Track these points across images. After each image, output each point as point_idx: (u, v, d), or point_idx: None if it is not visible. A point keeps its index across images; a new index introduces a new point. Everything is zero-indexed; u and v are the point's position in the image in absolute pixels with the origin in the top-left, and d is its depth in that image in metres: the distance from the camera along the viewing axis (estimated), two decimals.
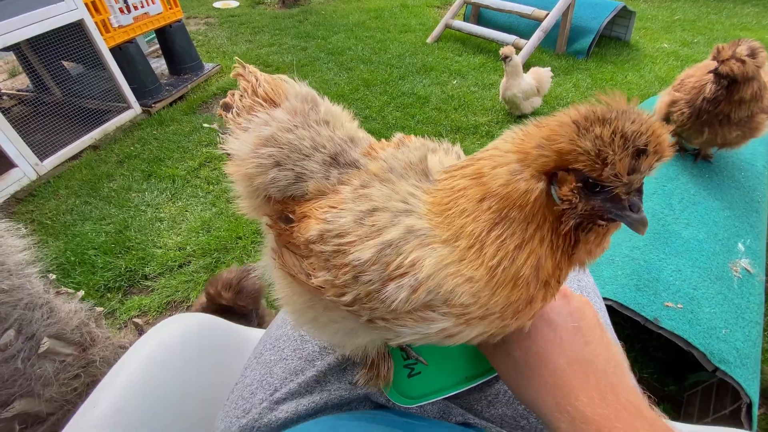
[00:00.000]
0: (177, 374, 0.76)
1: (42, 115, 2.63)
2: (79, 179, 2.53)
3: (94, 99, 2.95)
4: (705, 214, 1.32)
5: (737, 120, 1.28)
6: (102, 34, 2.71)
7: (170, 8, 3.22)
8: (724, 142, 1.39)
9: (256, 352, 0.69)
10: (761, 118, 1.29)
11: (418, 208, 0.36)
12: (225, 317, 0.96)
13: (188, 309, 1.84)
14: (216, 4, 5.53)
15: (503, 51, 2.62)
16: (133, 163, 2.64)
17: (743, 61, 1.18)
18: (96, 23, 2.66)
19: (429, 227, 0.35)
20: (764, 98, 1.26)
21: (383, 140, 0.47)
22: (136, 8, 2.90)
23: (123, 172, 2.57)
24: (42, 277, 1.12)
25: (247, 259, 1.97)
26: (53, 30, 2.45)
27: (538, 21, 3.53)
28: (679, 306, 1.06)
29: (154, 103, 3.11)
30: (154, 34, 3.56)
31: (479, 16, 4.36)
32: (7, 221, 1.05)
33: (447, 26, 4.11)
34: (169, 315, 1.83)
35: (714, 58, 1.28)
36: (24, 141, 2.39)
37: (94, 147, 2.81)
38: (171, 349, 0.78)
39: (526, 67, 3.06)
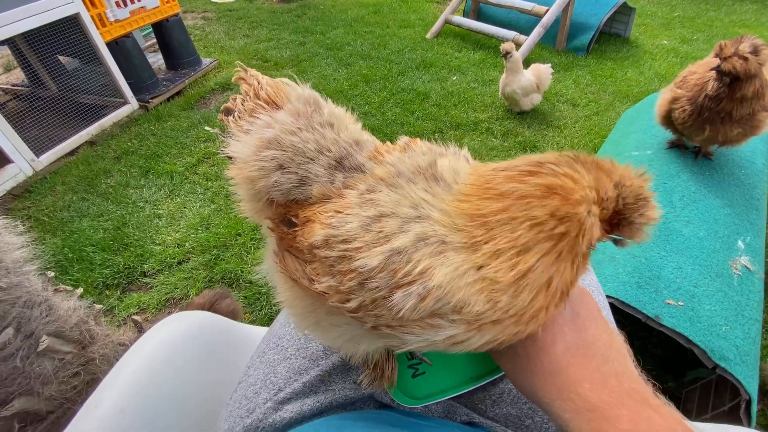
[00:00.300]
0: (179, 373, 0.76)
1: (38, 110, 2.60)
2: (76, 175, 2.51)
3: (91, 94, 2.92)
4: (705, 211, 1.32)
5: (738, 117, 1.28)
6: (98, 29, 2.68)
7: (167, 2, 3.18)
8: (725, 139, 1.39)
9: (259, 351, 0.69)
10: (762, 116, 1.29)
11: (431, 214, 0.35)
12: None
13: (187, 307, 1.84)
14: None
15: (504, 47, 2.61)
16: (130, 159, 2.62)
17: (746, 59, 1.18)
18: (92, 17, 2.62)
19: (444, 233, 0.34)
20: (766, 96, 1.26)
21: (388, 143, 0.46)
22: (132, 2, 2.87)
23: (120, 168, 2.55)
24: (40, 274, 1.11)
25: (246, 256, 1.97)
26: (49, 24, 2.42)
27: (539, 17, 3.51)
28: (680, 303, 1.06)
29: (152, 98, 3.08)
30: (151, 29, 3.52)
31: (479, 11, 4.34)
32: (4, 218, 1.04)
33: (446, 22, 4.09)
34: (168, 312, 1.83)
35: (716, 56, 1.28)
36: (20, 136, 2.37)
37: (90, 143, 2.78)
38: (172, 347, 0.77)
39: (526, 63, 3.05)
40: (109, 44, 2.77)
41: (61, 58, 2.92)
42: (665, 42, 4.01)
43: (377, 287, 0.34)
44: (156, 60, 3.56)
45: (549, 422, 0.54)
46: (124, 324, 1.77)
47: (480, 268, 0.33)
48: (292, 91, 0.48)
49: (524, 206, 0.33)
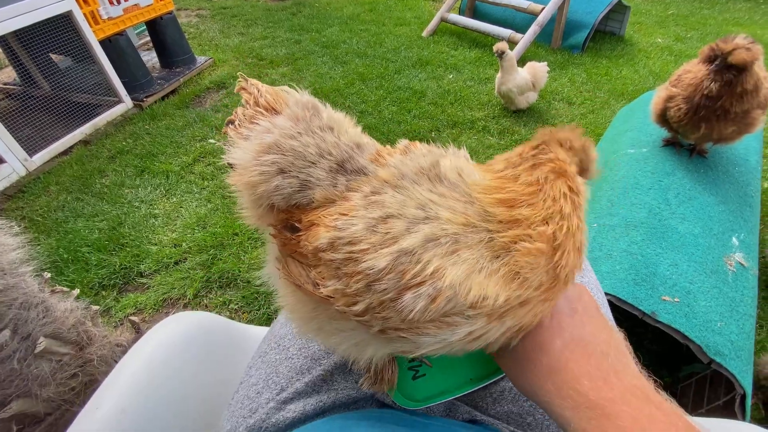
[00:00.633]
0: (178, 373, 0.76)
1: (30, 109, 2.57)
2: (70, 175, 2.49)
3: (84, 93, 2.89)
4: (700, 208, 1.34)
5: (734, 115, 1.29)
6: (91, 26, 2.65)
7: (161, 0, 3.15)
8: (720, 137, 1.40)
9: (260, 351, 0.69)
10: (756, 113, 1.31)
11: (439, 214, 0.35)
12: None
13: (185, 306, 1.83)
14: None
15: (497, 47, 2.61)
16: (125, 159, 2.60)
17: (749, 48, 1.19)
18: (85, 14, 2.59)
19: (455, 232, 0.34)
20: (760, 93, 1.27)
21: (388, 146, 0.47)
22: None
23: (115, 168, 2.53)
24: (36, 275, 1.10)
25: (243, 255, 1.96)
26: (41, 22, 2.39)
27: (534, 15, 3.52)
28: (675, 300, 1.07)
29: (146, 97, 3.05)
30: (145, 27, 3.49)
31: (475, 9, 4.34)
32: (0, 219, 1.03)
33: (442, 20, 4.09)
34: (166, 312, 1.83)
35: (711, 57, 1.29)
36: (12, 136, 2.34)
37: (84, 142, 2.76)
38: (171, 348, 0.77)
39: (522, 61, 3.05)
40: (102, 42, 2.74)
41: (53, 56, 2.88)
42: (660, 40, 4.04)
43: (385, 289, 0.34)
44: (150, 58, 3.53)
45: (550, 419, 0.54)
46: (121, 325, 1.76)
47: (506, 252, 0.34)
48: (290, 97, 0.48)
49: (541, 188, 0.37)
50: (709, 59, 1.32)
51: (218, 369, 0.83)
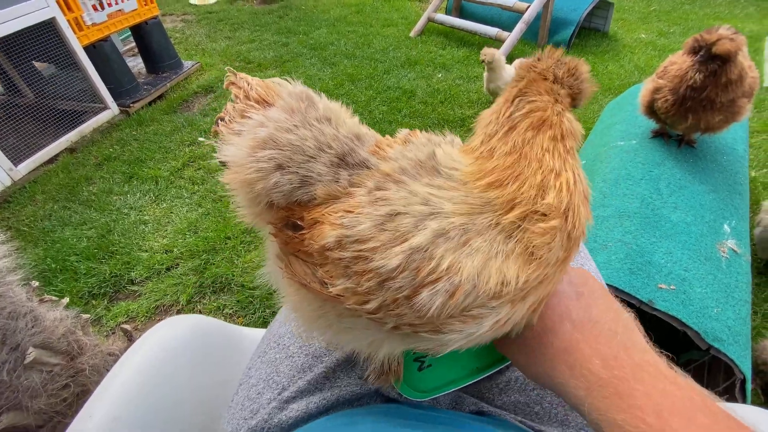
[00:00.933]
0: (172, 378, 0.74)
1: (14, 118, 2.51)
2: (56, 183, 2.43)
3: (69, 100, 2.83)
4: (691, 197, 1.35)
5: (720, 105, 1.31)
6: (75, 33, 2.60)
7: (145, 5, 3.11)
8: (708, 127, 1.42)
9: (260, 351, 0.67)
10: (742, 102, 1.33)
11: (443, 207, 0.34)
12: None
13: (178, 313, 1.80)
14: (192, 1, 5.39)
15: (483, 56, 2.63)
16: (112, 165, 2.56)
17: (732, 39, 1.21)
18: (68, 21, 2.55)
19: (463, 222, 0.33)
20: (744, 82, 1.29)
21: (388, 136, 0.45)
22: (110, 5, 2.80)
23: (102, 175, 2.49)
24: (24, 284, 1.07)
25: (237, 259, 1.94)
26: (24, 29, 2.34)
27: (520, 13, 3.55)
28: (672, 287, 1.08)
29: (132, 102, 3.01)
30: (130, 33, 3.44)
31: (461, 9, 4.37)
32: None
33: (429, 20, 4.10)
34: (158, 320, 1.79)
35: (696, 48, 1.30)
36: None
37: (70, 150, 2.70)
38: (165, 353, 0.75)
39: (510, 59, 3.08)
40: (86, 48, 2.70)
41: (36, 64, 2.82)
42: (643, 35, 4.10)
43: (400, 287, 0.33)
44: (136, 64, 3.48)
45: (557, 407, 0.54)
46: (113, 334, 1.72)
47: (518, 229, 0.33)
48: (282, 88, 0.46)
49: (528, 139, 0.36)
50: (694, 50, 1.34)
51: (214, 372, 0.81)
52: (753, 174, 2.25)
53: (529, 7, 3.49)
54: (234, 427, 0.57)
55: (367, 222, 0.35)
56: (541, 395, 0.55)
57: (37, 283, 1.11)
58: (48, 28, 2.47)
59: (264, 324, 1.71)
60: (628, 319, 0.42)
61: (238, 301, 1.77)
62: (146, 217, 2.19)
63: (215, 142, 0.46)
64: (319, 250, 0.37)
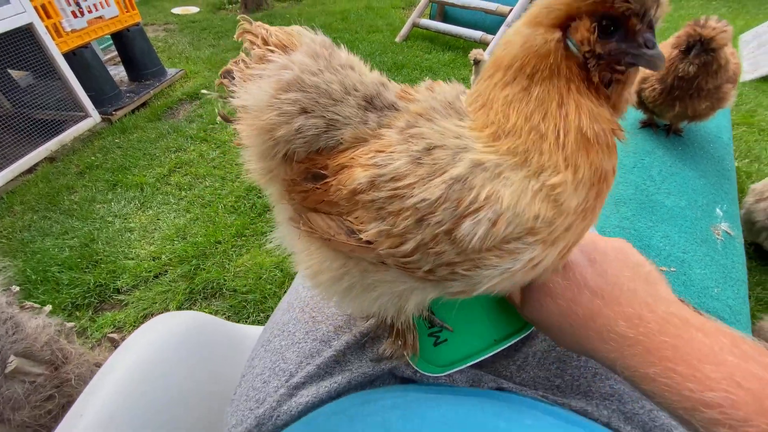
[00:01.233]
0: (170, 375, 0.69)
1: None
2: (36, 193, 2.35)
3: (48, 109, 2.75)
4: (683, 183, 1.37)
5: (708, 91, 1.34)
6: (54, 39, 2.54)
7: (127, 11, 3.06)
8: (695, 114, 1.44)
9: (263, 341, 0.64)
10: (727, 87, 1.36)
11: (473, 143, 0.34)
12: None
13: None
14: (175, 10, 5.35)
15: (473, 56, 2.65)
16: (95, 174, 2.48)
17: (725, 30, 1.24)
18: (47, 27, 2.49)
19: (495, 159, 0.33)
20: (729, 67, 1.32)
21: (411, 86, 0.44)
22: (90, 11, 2.75)
23: (85, 184, 2.41)
24: (4, 290, 1.01)
25: (228, 264, 1.88)
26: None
27: (503, 16, 3.61)
28: (672, 269, 1.08)
29: (115, 110, 2.94)
30: (111, 41, 3.39)
31: (445, 14, 4.43)
32: None
33: (414, 25, 4.15)
34: None
35: (690, 42, 1.32)
36: None
37: (50, 159, 2.62)
38: (161, 349, 0.71)
39: None
40: (66, 55, 2.63)
41: (13, 73, 2.74)
42: None
43: (440, 221, 0.32)
44: (117, 72, 3.41)
45: (579, 379, 0.52)
46: (99, 345, 1.64)
47: (537, 174, 0.32)
48: (304, 36, 0.44)
49: (498, 94, 0.35)
50: (688, 45, 1.35)
51: (212, 369, 0.77)
52: (736, 164, 2.31)
53: (511, 10, 3.56)
54: (239, 419, 0.54)
55: (402, 158, 0.34)
56: (562, 368, 0.53)
57: (18, 288, 1.05)
58: (25, 34, 2.41)
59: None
60: (648, 272, 0.43)
61: (231, 306, 1.72)
62: (132, 225, 2.12)
63: (220, 95, 0.44)
64: (349, 195, 0.35)
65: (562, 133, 0.32)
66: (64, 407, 1.07)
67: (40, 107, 2.71)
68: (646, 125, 1.67)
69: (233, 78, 0.44)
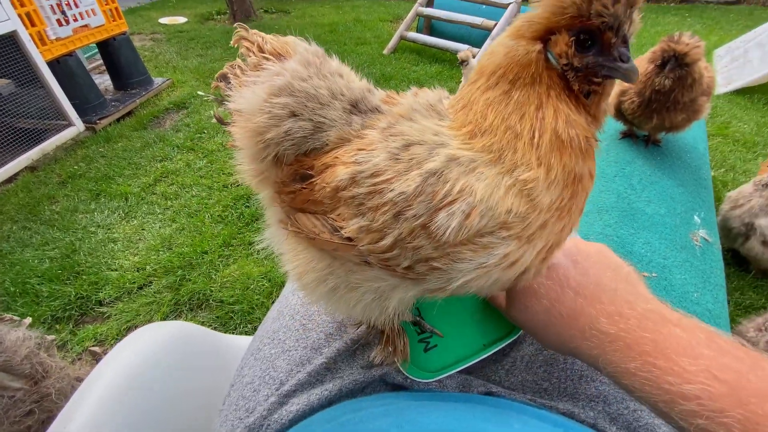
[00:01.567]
0: (155, 386, 0.68)
1: None
2: (15, 203, 2.29)
3: (30, 118, 2.69)
4: (663, 191, 1.42)
5: (684, 104, 1.40)
6: (38, 47, 2.50)
7: (113, 20, 3.05)
8: (672, 125, 1.50)
9: (252, 350, 0.63)
10: (702, 100, 1.42)
11: (450, 140, 0.36)
12: None
13: None
14: (162, 20, 5.34)
15: (461, 55, 2.71)
16: (78, 183, 2.43)
17: (698, 45, 1.30)
18: (31, 35, 2.45)
19: (470, 155, 0.34)
20: (703, 81, 1.38)
21: (398, 92, 0.46)
22: (75, 20, 2.72)
23: (67, 193, 2.36)
24: None
25: (215, 274, 1.86)
26: None
27: (488, 30, 3.71)
28: (653, 275, 1.11)
29: (99, 119, 2.90)
30: (97, 50, 3.36)
31: (432, 27, 4.52)
32: None
33: (402, 38, 4.22)
34: None
35: (666, 58, 1.37)
36: None
37: (31, 168, 2.56)
38: (148, 358, 0.70)
39: None
40: (50, 63, 2.59)
41: None
42: None
43: (415, 214, 0.33)
44: (103, 81, 3.38)
45: (566, 381, 0.53)
46: (80, 359, 1.59)
47: (510, 171, 0.34)
48: (298, 44, 0.46)
49: (479, 96, 0.36)
50: (663, 59, 1.41)
51: (200, 379, 0.76)
52: (712, 173, 2.39)
53: (496, 24, 3.66)
54: (228, 429, 0.53)
55: (381, 155, 0.35)
56: (549, 371, 0.54)
57: None
58: (8, 41, 2.37)
59: None
60: (627, 273, 0.45)
61: (217, 317, 1.69)
62: (115, 235, 2.08)
63: (215, 98, 0.45)
64: (332, 192, 0.37)
65: (537, 134, 0.34)
66: (44, 423, 1.03)
67: (22, 116, 2.66)
68: (626, 136, 1.72)
69: (229, 81, 0.45)
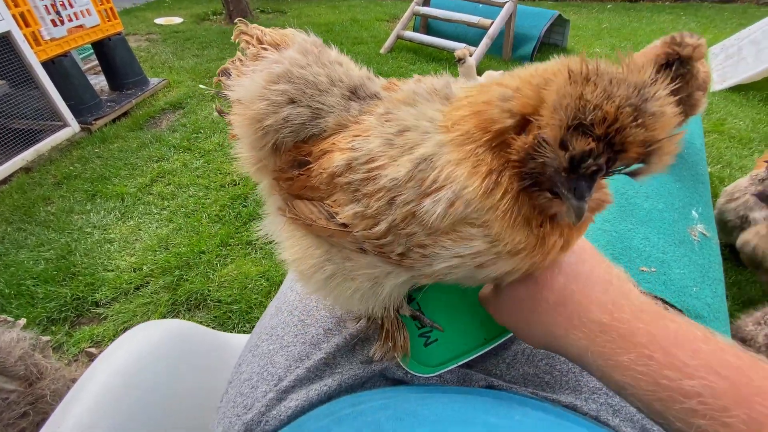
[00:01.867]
0: (151, 385, 0.67)
1: None
2: (10, 205, 2.26)
3: (25, 119, 2.67)
4: (660, 186, 1.42)
5: (681, 99, 1.40)
6: (32, 47, 2.48)
7: (108, 20, 3.03)
8: None
9: (250, 346, 0.62)
10: (698, 95, 1.42)
11: (438, 129, 0.35)
12: None
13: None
14: (158, 20, 5.31)
15: (458, 53, 2.71)
16: (73, 184, 2.41)
17: (700, 44, 1.30)
18: (25, 35, 2.43)
19: (457, 140, 0.34)
20: (699, 76, 1.39)
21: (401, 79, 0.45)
22: (70, 20, 2.70)
23: (62, 194, 2.34)
24: None
25: (212, 274, 1.84)
26: None
27: (485, 29, 3.71)
28: (652, 270, 1.11)
29: (95, 120, 2.88)
30: (92, 51, 3.33)
31: (428, 26, 4.52)
32: None
33: (399, 37, 4.21)
34: None
35: (670, 59, 1.36)
36: None
37: (26, 169, 2.54)
38: (143, 357, 0.69)
39: (478, 72, 3.18)
40: (44, 64, 2.57)
41: None
42: (598, 50, 4.38)
43: (405, 200, 0.33)
44: (98, 81, 3.35)
45: (568, 374, 0.52)
46: (76, 361, 1.58)
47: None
48: (296, 35, 0.46)
49: (463, 112, 0.35)
50: (667, 61, 1.40)
51: (196, 377, 0.75)
52: (709, 170, 2.40)
53: (492, 23, 3.66)
54: (226, 426, 0.52)
55: (376, 141, 0.35)
56: (551, 364, 0.54)
57: None
58: (2, 42, 2.35)
59: None
60: (620, 271, 0.43)
61: (215, 317, 1.68)
62: (112, 236, 2.07)
63: (217, 91, 0.45)
64: (328, 178, 0.36)
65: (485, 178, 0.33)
66: (39, 425, 1.02)
67: (17, 117, 2.63)
68: None
69: (230, 76, 0.45)
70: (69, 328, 1.68)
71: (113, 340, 1.66)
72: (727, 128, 2.81)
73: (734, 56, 3.58)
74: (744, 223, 1.78)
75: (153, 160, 2.61)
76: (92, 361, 1.38)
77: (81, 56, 3.63)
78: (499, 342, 0.52)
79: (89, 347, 1.59)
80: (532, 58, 3.89)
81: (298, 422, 0.49)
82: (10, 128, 2.55)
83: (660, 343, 0.32)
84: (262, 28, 0.48)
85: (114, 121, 3.01)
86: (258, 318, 1.71)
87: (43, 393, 1.04)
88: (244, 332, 1.63)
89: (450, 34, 4.21)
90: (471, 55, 3.56)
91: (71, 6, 2.70)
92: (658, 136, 0.26)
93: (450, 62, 3.65)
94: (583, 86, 0.27)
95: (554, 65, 0.33)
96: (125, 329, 1.69)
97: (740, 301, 1.71)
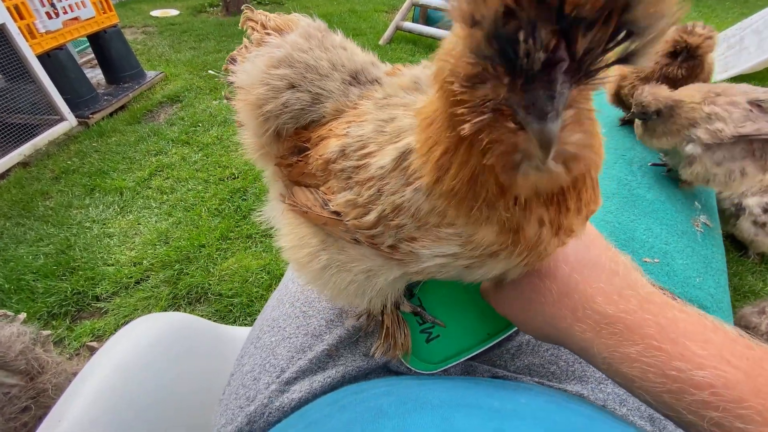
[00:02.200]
0: (152, 378, 0.67)
1: None
2: (8, 200, 2.25)
3: (21, 113, 2.65)
4: (662, 177, 1.41)
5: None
6: (27, 40, 2.45)
7: (104, 12, 2.99)
8: None
9: (252, 338, 0.62)
10: None
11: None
12: None
13: None
14: (154, 13, 5.25)
15: None
16: (71, 178, 2.40)
17: (711, 36, 1.28)
18: (20, 28, 2.40)
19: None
20: (706, 69, 1.37)
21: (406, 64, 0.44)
22: (65, 12, 2.67)
23: (60, 189, 2.33)
24: None
25: (213, 268, 1.84)
26: None
27: None
28: (655, 260, 1.10)
29: (92, 113, 2.86)
30: (88, 44, 3.30)
31: (428, 17, 4.47)
32: None
33: (398, 28, 4.17)
34: None
35: (678, 50, 1.34)
36: None
37: (23, 164, 2.52)
38: (144, 350, 0.68)
39: None
40: (40, 57, 2.54)
41: None
42: None
43: (392, 190, 0.31)
44: (94, 75, 3.32)
45: (574, 364, 0.52)
46: (77, 355, 1.58)
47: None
48: (301, 20, 0.46)
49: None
50: (675, 51, 1.38)
51: (198, 370, 0.75)
52: None
53: None
54: (229, 418, 0.52)
55: (368, 127, 0.34)
56: (556, 354, 0.53)
57: None
58: None
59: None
60: (626, 260, 0.41)
61: (216, 311, 1.68)
62: (111, 230, 2.06)
63: (225, 76, 0.45)
64: (323, 164, 0.36)
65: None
66: (41, 419, 1.02)
67: (13, 111, 2.61)
68: (626, 123, 1.71)
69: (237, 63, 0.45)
70: (70, 323, 1.68)
71: (114, 334, 1.66)
72: None
73: (736, 46, 3.55)
74: (739, 210, 1.78)
75: (151, 154, 2.59)
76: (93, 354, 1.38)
77: (77, 49, 3.60)
78: (503, 337, 0.52)
79: (91, 341, 1.59)
80: None
81: (300, 412, 0.48)
82: (7, 123, 2.53)
83: (668, 334, 0.31)
84: (266, 13, 0.47)
85: (111, 114, 2.99)
86: (259, 311, 1.71)
87: (44, 387, 1.04)
88: (246, 325, 1.63)
89: (450, 25, 4.16)
90: None
91: None
92: None
93: None
94: None
95: None
96: (126, 323, 1.69)
97: (741, 291, 1.71)
